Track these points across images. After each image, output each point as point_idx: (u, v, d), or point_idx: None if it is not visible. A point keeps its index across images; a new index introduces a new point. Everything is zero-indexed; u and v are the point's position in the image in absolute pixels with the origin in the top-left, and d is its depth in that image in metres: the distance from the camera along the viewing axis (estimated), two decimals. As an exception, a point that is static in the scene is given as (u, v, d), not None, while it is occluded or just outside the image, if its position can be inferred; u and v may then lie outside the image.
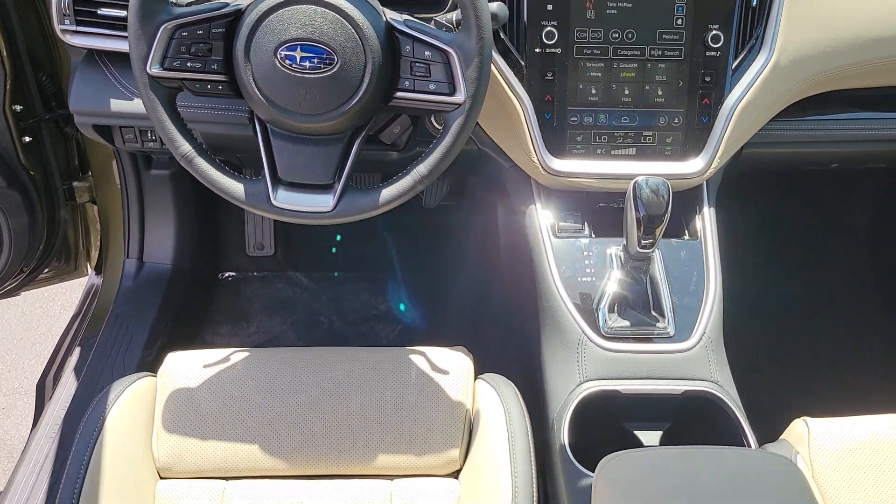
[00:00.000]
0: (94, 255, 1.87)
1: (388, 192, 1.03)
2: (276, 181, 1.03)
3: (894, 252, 1.97)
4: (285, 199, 1.03)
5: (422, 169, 1.02)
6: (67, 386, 1.55)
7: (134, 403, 1.13)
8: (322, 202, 1.03)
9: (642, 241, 1.07)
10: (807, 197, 2.00)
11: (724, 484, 0.83)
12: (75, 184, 1.72)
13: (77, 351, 1.63)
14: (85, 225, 1.82)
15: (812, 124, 1.30)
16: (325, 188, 1.03)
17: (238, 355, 1.20)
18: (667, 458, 0.86)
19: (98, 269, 1.86)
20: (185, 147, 1.02)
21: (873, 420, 1.11)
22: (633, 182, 1.05)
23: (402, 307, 1.93)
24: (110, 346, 1.60)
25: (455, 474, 1.13)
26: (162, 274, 1.76)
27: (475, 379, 1.19)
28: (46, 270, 1.75)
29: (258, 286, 1.98)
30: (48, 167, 1.62)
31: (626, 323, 1.13)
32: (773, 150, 1.32)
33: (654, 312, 1.14)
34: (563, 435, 1.04)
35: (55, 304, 2.49)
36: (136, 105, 1.24)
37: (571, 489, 1.00)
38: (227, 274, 2.00)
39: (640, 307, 1.14)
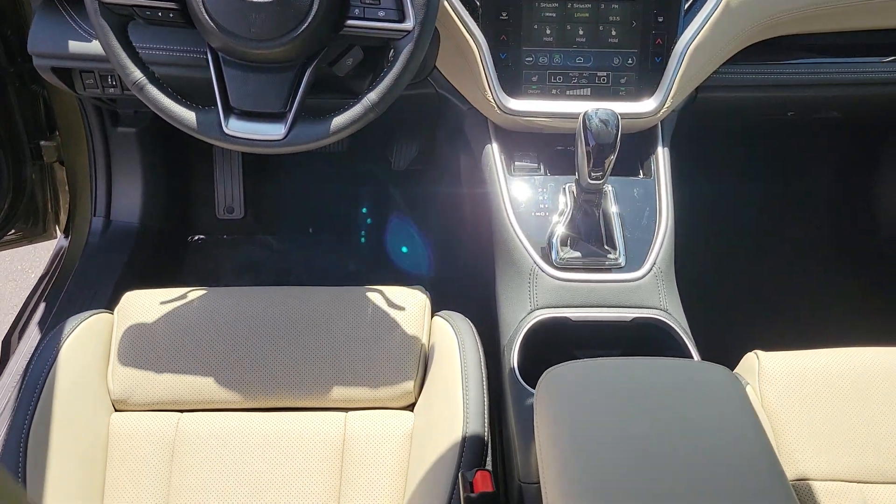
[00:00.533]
0: (63, 217, 1.87)
1: (339, 121, 1.04)
2: (228, 110, 1.04)
3: (851, 200, 1.99)
4: (237, 127, 1.04)
5: (372, 96, 1.03)
6: (31, 338, 1.55)
7: (89, 337, 1.14)
8: (273, 131, 1.04)
9: (593, 174, 1.08)
10: (766, 151, 2.03)
11: (661, 389, 0.84)
12: (42, 143, 1.71)
13: (42, 306, 1.63)
14: (53, 186, 1.81)
15: (765, 68, 1.32)
16: (276, 117, 1.04)
17: (195, 293, 1.20)
18: (606, 367, 0.87)
19: (67, 232, 1.86)
20: (137, 74, 1.02)
21: (822, 353, 1.13)
22: (582, 113, 1.06)
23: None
24: (75, 300, 1.60)
25: (410, 407, 1.14)
26: (129, 232, 1.77)
27: (432, 316, 1.20)
28: (13, 232, 1.74)
29: (228, 248, 1.98)
30: (14, 124, 1.62)
31: (578, 254, 1.15)
32: (728, 94, 1.34)
33: (606, 245, 1.16)
34: (512, 358, 1.06)
35: (29, 277, 2.48)
36: (94, 47, 1.25)
37: (518, 407, 1.01)
38: (196, 236, 2.00)
39: (592, 240, 1.15)
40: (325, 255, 1.96)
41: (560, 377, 0.85)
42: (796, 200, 2.02)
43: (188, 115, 1.04)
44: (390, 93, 1.03)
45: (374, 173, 2.01)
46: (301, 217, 2.04)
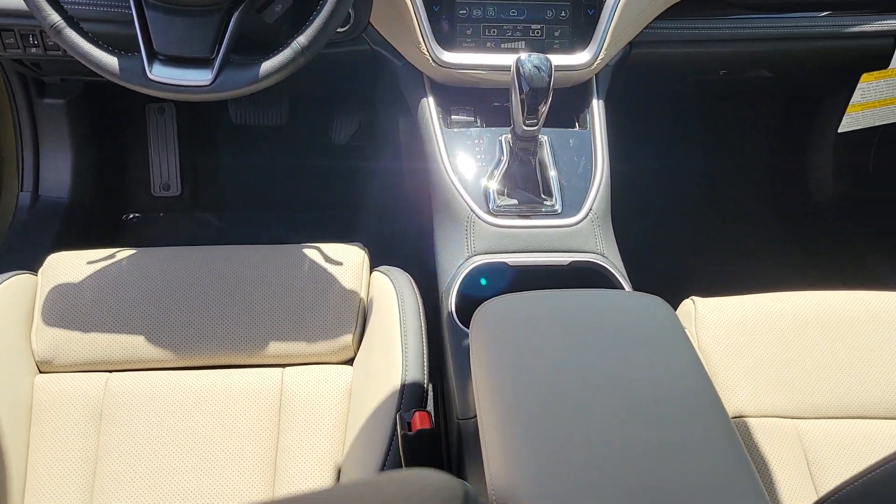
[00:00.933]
0: (-10, 196, 1.80)
1: (268, 65, 1.02)
2: (152, 55, 1.01)
3: (786, 165, 2.04)
4: (162, 73, 1.01)
5: (302, 40, 1.01)
6: None
7: (9, 298, 1.09)
8: (200, 77, 1.01)
9: (527, 121, 1.08)
10: (703, 116, 2.06)
11: (596, 316, 0.84)
12: (-36, 116, 1.65)
13: (-34, 285, 1.56)
14: (-23, 163, 1.74)
15: (697, 23, 1.34)
16: (203, 63, 1.01)
17: (123, 253, 1.17)
18: (539, 298, 0.86)
19: (-7, 212, 1.79)
20: (54, 17, 0.98)
21: (756, 298, 1.15)
22: (515, 58, 1.06)
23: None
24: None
25: (349, 362, 1.12)
26: (58, 207, 1.70)
27: (371, 272, 1.19)
28: (-65, 211, 1.67)
29: (164, 226, 1.93)
30: None
31: (514, 201, 1.14)
32: (661, 49, 1.35)
33: (542, 193, 1.16)
34: (450, 303, 1.05)
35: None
36: (12, 1, 1.20)
37: (455, 348, 1.01)
38: (131, 215, 1.95)
39: (528, 188, 1.15)
40: (265, 231, 1.92)
41: (494, 308, 0.85)
42: (734, 164, 2.06)
43: (110, 61, 1.00)
44: (319, 36, 1.01)
45: (315, 147, 1.98)
46: (240, 193, 1.99)
